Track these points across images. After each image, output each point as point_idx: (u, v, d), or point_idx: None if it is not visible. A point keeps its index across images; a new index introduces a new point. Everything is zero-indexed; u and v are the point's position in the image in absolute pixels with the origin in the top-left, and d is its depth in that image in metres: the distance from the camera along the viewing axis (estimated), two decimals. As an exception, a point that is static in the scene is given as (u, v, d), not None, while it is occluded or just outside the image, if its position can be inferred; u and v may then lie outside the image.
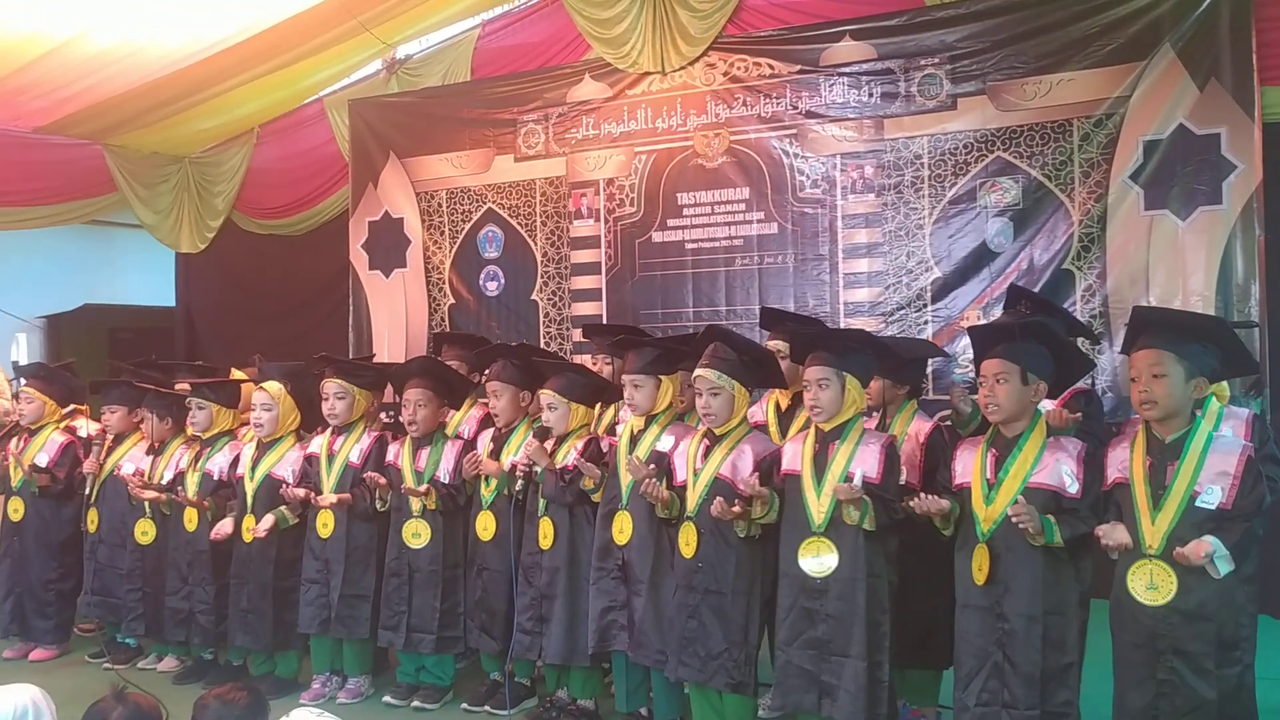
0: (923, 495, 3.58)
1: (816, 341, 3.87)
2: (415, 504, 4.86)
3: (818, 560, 3.69)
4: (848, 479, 3.61)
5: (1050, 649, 3.40)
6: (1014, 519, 3.33)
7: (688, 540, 4.04)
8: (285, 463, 5.13)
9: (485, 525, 4.81)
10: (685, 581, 4.05)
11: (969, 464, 3.63)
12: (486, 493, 4.82)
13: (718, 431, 4.04)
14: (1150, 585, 3.20)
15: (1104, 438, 3.93)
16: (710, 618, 3.96)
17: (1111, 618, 3.35)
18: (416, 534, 4.88)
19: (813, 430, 3.84)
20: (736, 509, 3.80)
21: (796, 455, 3.85)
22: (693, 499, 4.03)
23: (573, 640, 4.48)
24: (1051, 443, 3.52)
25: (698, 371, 4.02)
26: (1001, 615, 3.45)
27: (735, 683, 3.92)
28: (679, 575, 4.09)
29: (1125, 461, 3.35)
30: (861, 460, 3.67)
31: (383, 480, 4.88)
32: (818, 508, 3.72)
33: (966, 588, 3.56)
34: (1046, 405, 3.95)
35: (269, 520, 4.97)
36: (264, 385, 5.20)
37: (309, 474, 5.11)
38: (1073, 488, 3.42)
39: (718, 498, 3.85)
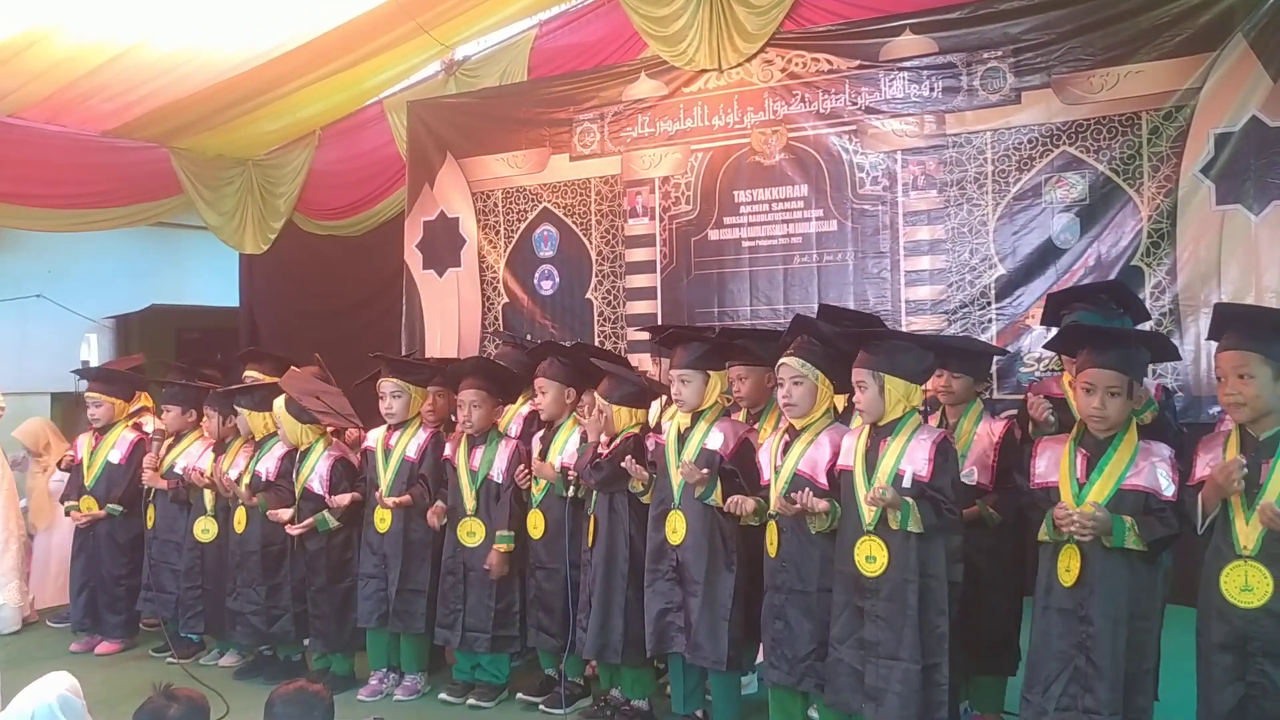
0: (1072, 508, 3.36)
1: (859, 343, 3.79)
2: (470, 502, 4.87)
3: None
4: (897, 477, 3.55)
5: (1133, 654, 3.30)
6: (1074, 531, 3.26)
7: (771, 539, 3.95)
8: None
9: (535, 523, 4.82)
10: (771, 582, 3.96)
11: (1054, 463, 3.48)
12: (536, 491, 4.82)
13: (798, 425, 3.94)
14: (1245, 587, 3.09)
15: (1178, 438, 3.82)
16: (797, 618, 3.86)
17: (1199, 620, 3.24)
18: (472, 533, 4.89)
19: (868, 426, 3.76)
20: (796, 505, 3.71)
21: (850, 451, 3.76)
22: (774, 497, 3.92)
23: (605, 636, 4.44)
24: (1144, 447, 3.39)
25: (782, 360, 3.94)
26: (1086, 618, 3.33)
27: (825, 683, 3.79)
28: (766, 576, 4.00)
29: (1219, 461, 3.21)
30: (911, 458, 3.58)
31: (442, 508, 4.96)
32: (868, 505, 3.62)
33: (1049, 589, 3.44)
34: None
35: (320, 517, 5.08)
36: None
37: (365, 469, 5.16)
38: (1169, 490, 3.31)
39: (779, 495, 3.77)
